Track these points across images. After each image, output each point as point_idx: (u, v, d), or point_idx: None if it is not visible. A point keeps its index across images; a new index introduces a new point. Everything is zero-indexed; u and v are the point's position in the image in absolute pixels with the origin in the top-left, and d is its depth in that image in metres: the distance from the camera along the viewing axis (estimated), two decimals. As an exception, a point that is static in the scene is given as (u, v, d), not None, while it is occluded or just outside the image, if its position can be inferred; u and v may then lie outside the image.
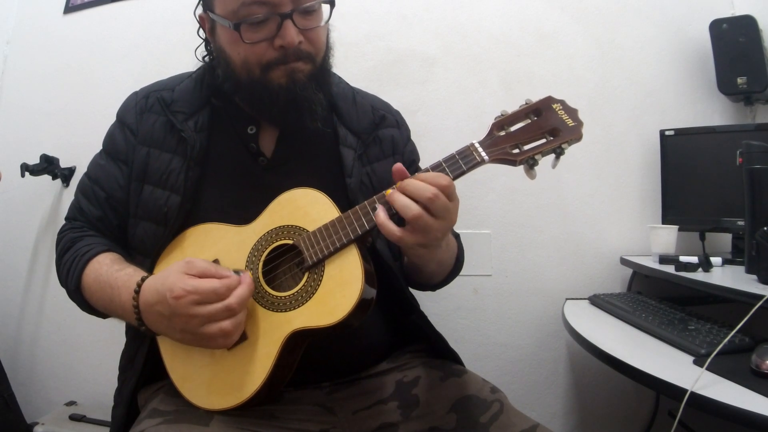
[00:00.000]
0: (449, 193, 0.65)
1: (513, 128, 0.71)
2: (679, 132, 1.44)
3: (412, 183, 0.65)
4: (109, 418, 0.85)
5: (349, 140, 0.87)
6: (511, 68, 1.54)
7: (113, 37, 1.72)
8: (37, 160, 1.60)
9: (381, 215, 0.66)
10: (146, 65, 1.64)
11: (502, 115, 0.71)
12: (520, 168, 0.71)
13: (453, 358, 0.88)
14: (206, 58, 0.88)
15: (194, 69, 0.90)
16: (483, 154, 0.69)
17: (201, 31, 0.87)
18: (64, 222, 0.89)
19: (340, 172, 0.83)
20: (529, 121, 0.71)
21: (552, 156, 0.70)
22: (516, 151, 0.69)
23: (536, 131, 0.70)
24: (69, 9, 1.77)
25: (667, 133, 1.45)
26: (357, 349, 0.81)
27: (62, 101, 1.73)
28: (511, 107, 0.74)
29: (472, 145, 0.70)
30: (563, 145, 0.69)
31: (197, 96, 0.85)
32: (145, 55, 1.65)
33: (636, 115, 1.53)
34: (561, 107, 0.71)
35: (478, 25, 1.56)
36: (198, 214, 0.79)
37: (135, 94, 0.90)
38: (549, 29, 1.55)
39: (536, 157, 0.69)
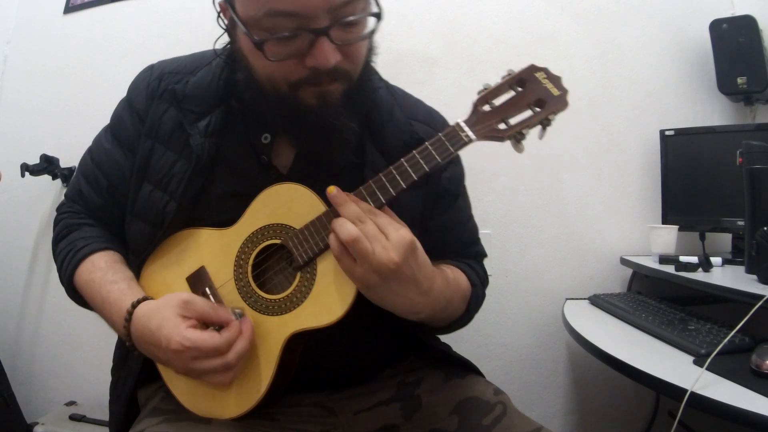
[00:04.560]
0: (378, 224, 0.60)
1: (497, 102, 0.67)
2: (679, 132, 1.44)
3: (346, 207, 0.62)
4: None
5: (377, 164, 0.73)
6: (511, 68, 1.53)
7: (113, 37, 1.72)
8: (37, 160, 1.60)
9: (331, 233, 0.62)
10: (146, 65, 1.64)
11: (485, 88, 0.67)
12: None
13: (470, 368, 0.84)
14: (227, 48, 0.75)
15: (212, 49, 0.77)
16: (470, 133, 0.64)
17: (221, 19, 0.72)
18: (63, 199, 0.85)
19: None
20: (514, 93, 0.67)
21: (539, 127, 0.67)
22: (502, 126, 0.66)
23: (521, 103, 0.66)
24: (69, 9, 1.78)
25: (667, 133, 1.45)
26: (361, 360, 0.79)
27: (62, 101, 1.73)
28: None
29: (458, 124, 0.65)
30: (550, 116, 0.66)
31: (212, 92, 0.75)
32: (145, 55, 1.62)
33: (636, 115, 1.53)
34: (545, 75, 0.68)
35: (478, 25, 1.56)
36: (198, 223, 0.74)
37: (150, 70, 0.81)
38: (549, 29, 1.55)
39: (523, 131, 0.66)
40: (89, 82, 1.71)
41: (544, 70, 0.68)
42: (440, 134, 0.65)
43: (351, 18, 0.62)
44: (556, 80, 0.67)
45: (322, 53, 0.61)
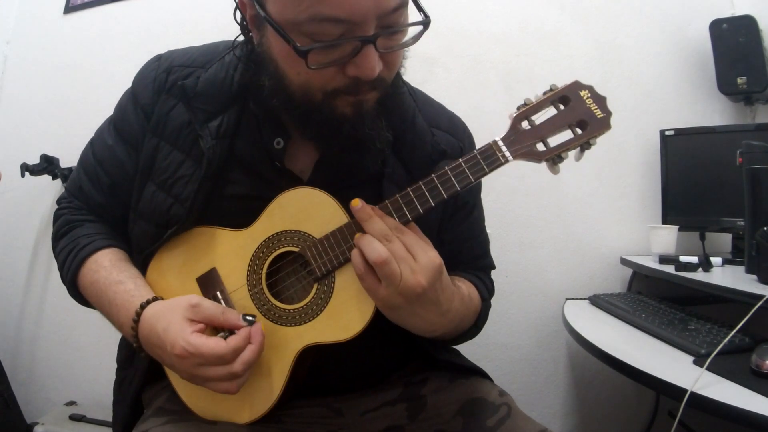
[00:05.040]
0: (406, 243, 0.58)
1: (537, 120, 0.63)
2: (679, 132, 1.44)
3: (373, 222, 0.60)
4: (109, 418, 0.83)
5: (396, 175, 0.72)
6: (511, 68, 1.54)
7: (113, 37, 1.72)
8: (37, 160, 1.60)
9: (354, 249, 0.60)
10: (146, 65, 1.64)
11: (525, 104, 0.64)
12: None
13: (483, 375, 0.83)
14: (243, 44, 0.70)
15: (225, 40, 0.74)
16: (507, 153, 0.62)
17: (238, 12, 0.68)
18: (63, 191, 0.82)
19: None
20: (555, 111, 0.64)
21: (577, 149, 0.64)
22: (541, 147, 0.63)
23: (562, 124, 0.63)
24: (69, 9, 1.78)
25: (667, 133, 1.45)
26: (369, 367, 0.79)
27: (62, 101, 1.73)
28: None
29: (495, 143, 0.62)
30: (591, 141, 0.63)
31: (226, 90, 0.71)
32: (145, 55, 1.62)
33: (636, 115, 1.53)
34: (589, 95, 0.64)
35: (478, 25, 1.56)
36: (207, 224, 0.71)
37: (158, 61, 0.76)
38: (549, 29, 1.55)
39: (562, 154, 0.63)
40: (89, 82, 1.71)
41: (589, 88, 0.64)
42: (475, 151, 0.62)
43: (398, 28, 0.59)
44: (600, 101, 0.64)
45: (369, 62, 0.57)
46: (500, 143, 0.62)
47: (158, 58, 0.77)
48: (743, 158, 1.11)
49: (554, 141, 0.63)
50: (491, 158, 0.62)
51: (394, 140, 0.71)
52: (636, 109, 1.53)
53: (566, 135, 0.63)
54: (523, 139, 0.62)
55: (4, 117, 1.79)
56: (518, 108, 0.64)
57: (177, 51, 0.78)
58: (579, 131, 0.63)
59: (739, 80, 1.39)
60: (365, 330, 0.63)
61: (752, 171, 1.09)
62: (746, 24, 1.39)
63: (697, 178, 1.41)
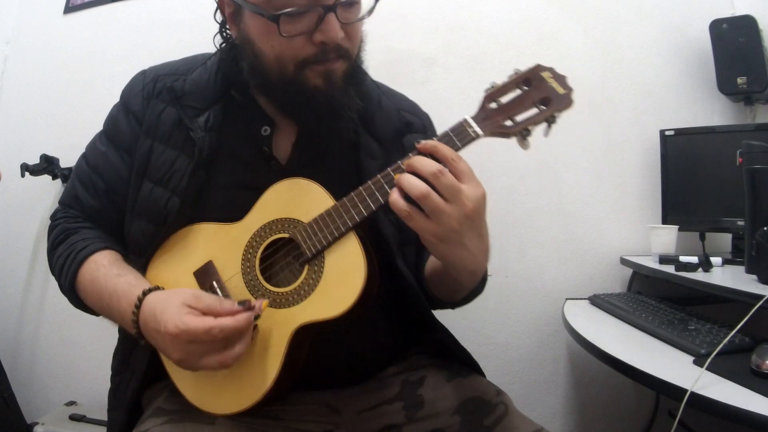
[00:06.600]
0: (456, 171, 0.61)
1: (504, 100, 0.70)
2: (679, 132, 1.44)
3: (418, 159, 0.62)
4: (110, 418, 0.84)
5: (372, 149, 0.79)
6: (511, 68, 1.53)
7: (113, 38, 1.72)
8: (37, 160, 1.61)
9: (394, 194, 0.62)
10: (146, 65, 1.63)
11: (492, 87, 0.70)
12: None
13: (473, 366, 0.85)
14: (223, 45, 0.80)
15: (207, 52, 0.83)
16: (477, 129, 0.67)
17: (218, 14, 0.78)
18: (57, 206, 0.84)
19: (357, 185, 0.72)
20: (520, 91, 0.70)
21: (544, 125, 0.69)
22: (509, 123, 0.69)
23: (528, 102, 0.69)
24: (69, 9, 1.78)
25: (667, 133, 1.45)
26: (365, 357, 0.79)
27: (62, 101, 1.73)
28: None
29: (465, 120, 0.68)
30: (555, 114, 0.68)
31: (211, 89, 0.78)
32: (145, 56, 1.63)
33: (636, 115, 1.53)
34: (551, 75, 0.70)
35: (478, 25, 1.56)
36: (200, 218, 0.75)
37: (142, 74, 0.83)
38: (549, 29, 1.55)
39: (529, 128, 0.68)
40: (89, 82, 1.71)
41: (550, 69, 0.70)
42: (448, 129, 0.67)
43: None
44: (561, 79, 0.70)
45: (332, 27, 0.67)
46: (470, 120, 0.68)
47: (143, 72, 0.84)
48: (743, 158, 1.11)
49: (521, 118, 0.69)
50: (463, 134, 0.67)
51: (365, 120, 0.80)
52: (636, 109, 1.53)
53: (532, 112, 0.69)
54: (492, 117, 0.69)
55: (4, 117, 1.79)
56: (486, 90, 0.70)
57: (158, 65, 0.85)
58: (543, 107, 0.69)
59: (739, 80, 1.39)
60: (360, 311, 0.64)
61: (752, 171, 1.09)
62: (746, 24, 1.39)
63: (697, 178, 1.41)
